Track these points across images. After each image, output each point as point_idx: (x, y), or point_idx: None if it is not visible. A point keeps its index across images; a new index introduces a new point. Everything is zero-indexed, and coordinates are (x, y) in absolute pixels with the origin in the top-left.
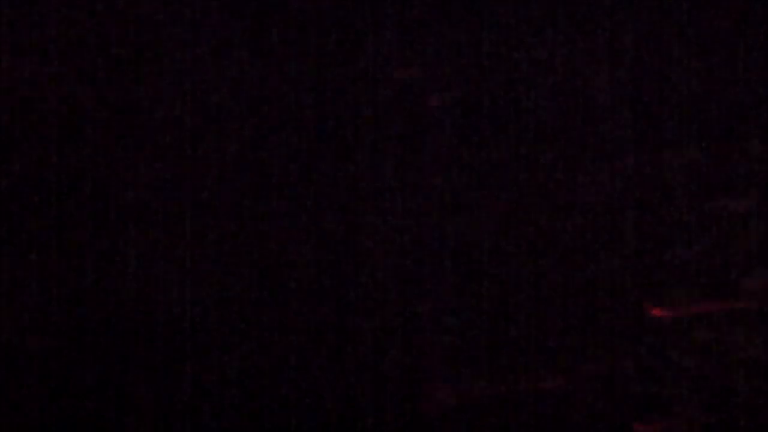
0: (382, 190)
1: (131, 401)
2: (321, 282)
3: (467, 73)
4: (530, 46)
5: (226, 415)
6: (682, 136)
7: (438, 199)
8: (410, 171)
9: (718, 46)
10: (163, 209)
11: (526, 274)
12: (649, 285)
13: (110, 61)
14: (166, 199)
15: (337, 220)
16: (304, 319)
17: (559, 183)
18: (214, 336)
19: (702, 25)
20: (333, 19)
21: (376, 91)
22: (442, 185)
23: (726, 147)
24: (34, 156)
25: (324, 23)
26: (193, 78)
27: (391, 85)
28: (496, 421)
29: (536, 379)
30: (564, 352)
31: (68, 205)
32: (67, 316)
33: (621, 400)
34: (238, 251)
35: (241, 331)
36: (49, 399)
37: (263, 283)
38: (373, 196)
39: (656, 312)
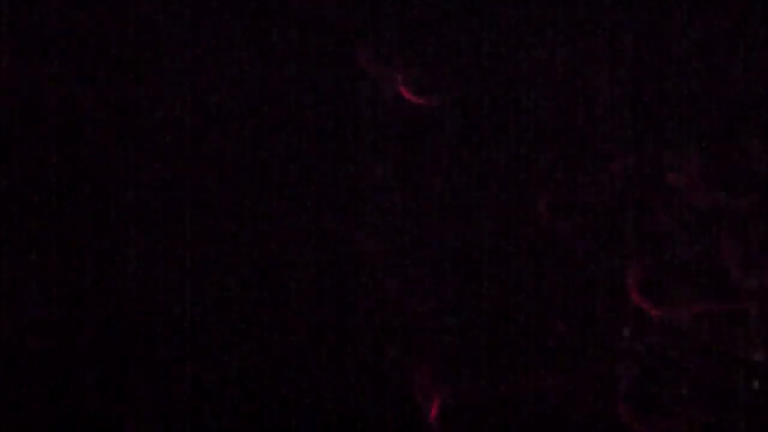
0: (382, 190)
1: (131, 401)
2: (321, 282)
3: (467, 73)
4: (530, 46)
5: (226, 415)
6: (682, 136)
7: (438, 199)
8: (410, 171)
9: (718, 46)
10: (163, 209)
11: (526, 274)
12: (649, 285)
13: (110, 61)
14: (166, 199)
15: (337, 220)
16: (304, 319)
17: (559, 183)
18: (214, 336)
19: (702, 25)
20: (333, 19)
21: (376, 91)
22: (442, 185)
23: (726, 147)
24: (34, 156)
25: (324, 23)
26: (193, 78)
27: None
28: (496, 421)
29: (536, 379)
30: (564, 352)
31: (68, 205)
32: (67, 316)
33: (621, 400)
34: (238, 251)
35: (241, 331)
36: (49, 399)
37: (263, 283)
38: (373, 196)
39: (656, 312)
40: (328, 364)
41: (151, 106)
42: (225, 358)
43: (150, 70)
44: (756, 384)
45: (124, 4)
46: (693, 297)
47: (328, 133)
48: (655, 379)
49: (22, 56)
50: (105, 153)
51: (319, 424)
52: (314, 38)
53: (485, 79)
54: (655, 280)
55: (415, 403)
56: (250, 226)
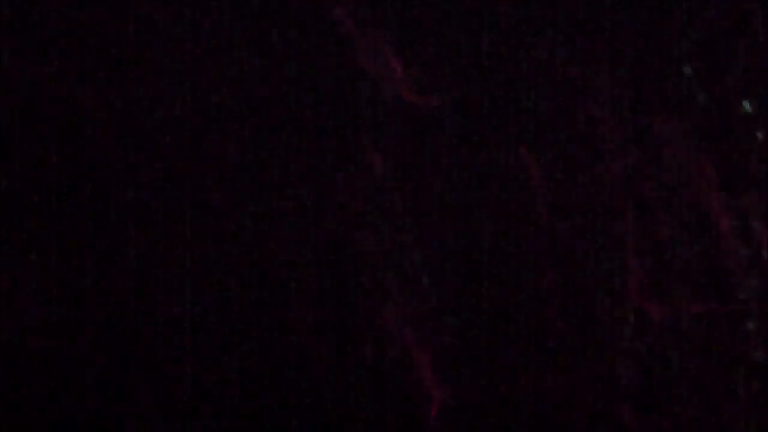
0: (382, 190)
1: (131, 401)
2: (321, 282)
3: (467, 73)
4: (530, 46)
5: (226, 415)
6: (682, 136)
7: (438, 199)
8: (410, 171)
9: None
10: (163, 209)
11: (526, 274)
12: (649, 285)
13: (110, 61)
14: (166, 199)
15: (337, 220)
16: (304, 319)
17: (559, 183)
18: (214, 336)
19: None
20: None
21: (376, 91)
22: (442, 185)
23: (726, 146)
24: (34, 156)
25: (324, 23)
26: (193, 78)
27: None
28: (496, 421)
29: (536, 379)
30: (564, 352)
31: (68, 205)
32: (67, 316)
33: (621, 400)
34: (238, 251)
35: (241, 331)
36: (49, 399)
37: (263, 283)
38: (373, 196)
39: (656, 312)
40: (328, 364)
41: (151, 106)
42: (225, 358)
43: (150, 70)
44: (756, 384)
45: (124, 4)
46: (693, 297)
47: (327, 133)
48: (655, 379)
49: (22, 56)
50: (105, 153)
51: (319, 424)
52: (314, 38)
53: (485, 79)
54: (655, 280)
55: (415, 403)
56: (250, 226)
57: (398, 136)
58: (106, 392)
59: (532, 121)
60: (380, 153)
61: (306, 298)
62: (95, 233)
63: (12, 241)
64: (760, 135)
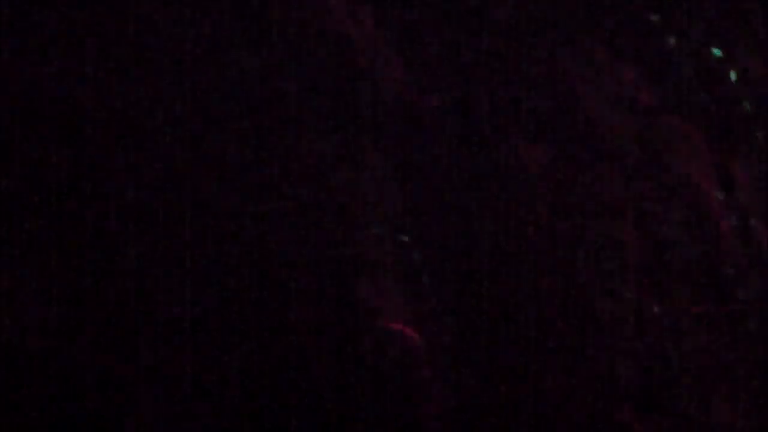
0: (381, 190)
1: (131, 401)
2: (321, 282)
3: (467, 73)
4: (530, 46)
5: (226, 415)
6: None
7: (438, 199)
8: (410, 171)
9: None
10: (163, 209)
11: (526, 274)
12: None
13: (110, 61)
14: (166, 199)
15: (337, 220)
16: (304, 319)
17: (559, 183)
18: (214, 336)
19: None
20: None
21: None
22: (442, 185)
23: (725, 146)
24: (34, 156)
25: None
26: (193, 78)
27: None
28: (496, 421)
29: (536, 379)
30: (564, 352)
31: (68, 205)
32: (67, 316)
33: (621, 400)
34: (238, 251)
35: (241, 331)
36: (49, 399)
37: (263, 283)
38: (373, 196)
39: (656, 312)
40: (328, 364)
41: (151, 106)
42: (225, 358)
43: (150, 70)
44: (756, 384)
45: (124, 4)
46: (693, 297)
47: (327, 132)
48: (655, 379)
49: (22, 56)
50: (105, 153)
51: (319, 424)
52: (314, 38)
53: (485, 79)
54: (655, 280)
55: (415, 403)
56: (250, 226)
57: (398, 136)
58: (106, 392)
59: (532, 121)
60: (380, 153)
61: (306, 298)
62: (95, 233)
63: (12, 241)
64: (760, 135)
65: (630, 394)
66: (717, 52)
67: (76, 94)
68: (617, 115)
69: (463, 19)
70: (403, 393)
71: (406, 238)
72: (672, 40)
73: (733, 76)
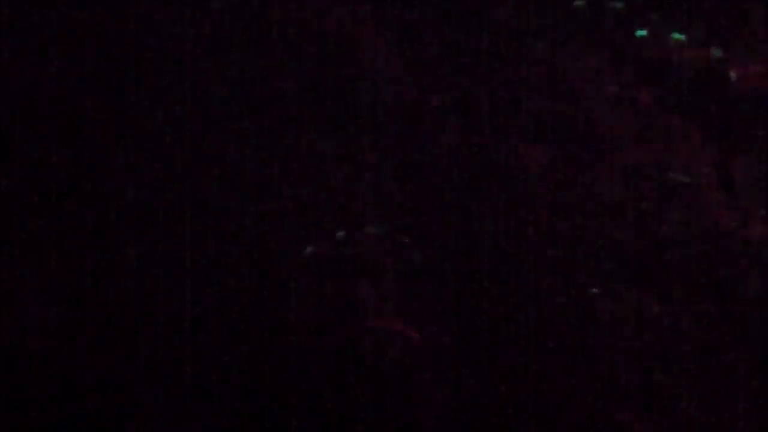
0: (381, 190)
1: (131, 401)
2: (322, 282)
3: (467, 73)
4: (530, 46)
5: (226, 415)
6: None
7: (438, 199)
8: (410, 170)
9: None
10: (163, 209)
11: (526, 274)
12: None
13: (110, 61)
14: (166, 199)
15: (339, 220)
16: (304, 319)
17: (559, 183)
18: (214, 336)
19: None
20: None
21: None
22: (442, 185)
23: (725, 145)
24: (34, 156)
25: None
26: (193, 78)
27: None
28: (496, 422)
29: (536, 379)
30: (564, 352)
31: (68, 205)
32: (67, 316)
33: (621, 400)
34: (238, 251)
35: (241, 331)
36: (49, 399)
37: (263, 283)
38: (373, 196)
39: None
40: (328, 364)
41: (151, 106)
42: (225, 358)
43: (150, 70)
44: (756, 384)
45: (124, 4)
46: (693, 297)
47: (327, 132)
48: (655, 379)
49: (22, 56)
50: (105, 153)
51: (319, 424)
52: (315, 38)
53: (485, 79)
54: (656, 280)
55: (415, 403)
56: (250, 226)
57: (398, 136)
58: (106, 392)
59: (532, 121)
60: (380, 153)
61: (306, 298)
62: (95, 233)
63: (12, 241)
64: (760, 135)
65: (630, 394)
66: (717, 52)
67: (76, 94)
68: (617, 115)
69: (463, 19)
70: (403, 393)
71: (406, 238)
72: (671, 39)
73: (733, 76)
